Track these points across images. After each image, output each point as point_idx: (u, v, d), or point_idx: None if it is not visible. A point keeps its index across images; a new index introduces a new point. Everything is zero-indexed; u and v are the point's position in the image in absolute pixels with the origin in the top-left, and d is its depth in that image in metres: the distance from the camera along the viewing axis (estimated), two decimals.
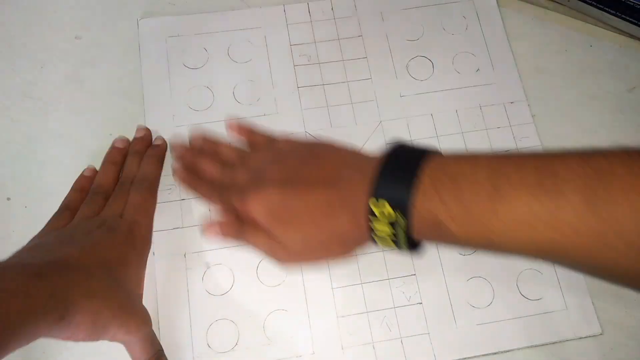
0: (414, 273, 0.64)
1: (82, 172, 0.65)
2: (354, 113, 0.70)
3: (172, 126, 0.69)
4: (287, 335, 0.61)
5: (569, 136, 0.70)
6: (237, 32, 0.74)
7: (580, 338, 0.62)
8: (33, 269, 0.47)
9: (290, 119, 0.70)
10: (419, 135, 0.70)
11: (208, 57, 0.73)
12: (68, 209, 0.62)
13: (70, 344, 0.56)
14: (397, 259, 0.64)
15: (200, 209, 0.65)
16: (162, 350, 0.56)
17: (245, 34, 0.74)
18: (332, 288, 0.63)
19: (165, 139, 0.67)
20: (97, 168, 0.65)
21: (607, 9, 0.73)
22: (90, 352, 0.60)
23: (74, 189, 0.64)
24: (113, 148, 0.66)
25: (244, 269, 0.63)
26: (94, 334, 0.49)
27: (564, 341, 0.61)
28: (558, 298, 0.63)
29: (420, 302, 0.63)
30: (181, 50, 0.73)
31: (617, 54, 0.75)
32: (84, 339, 0.49)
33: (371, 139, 0.69)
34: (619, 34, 0.76)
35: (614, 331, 0.62)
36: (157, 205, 0.65)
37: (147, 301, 0.61)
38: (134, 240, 0.58)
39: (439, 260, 0.64)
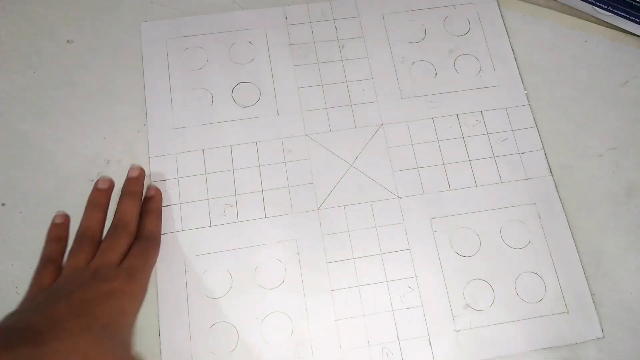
0: (414, 275, 0.61)
1: (53, 219, 0.61)
2: (353, 115, 0.68)
3: (171, 127, 0.67)
4: (285, 337, 0.59)
5: (563, 131, 0.68)
6: (238, 33, 0.71)
7: (582, 342, 0.60)
8: (3, 340, 0.44)
9: (290, 120, 0.67)
10: (419, 140, 0.67)
11: (208, 58, 0.70)
12: (51, 261, 0.57)
13: None
14: (396, 262, 0.62)
15: (200, 213, 0.63)
16: None
17: (245, 34, 0.71)
18: (331, 290, 0.61)
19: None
20: (67, 214, 0.62)
21: (599, 4, 0.72)
22: None
23: (50, 239, 0.59)
24: (96, 190, 0.62)
25: (242, 272, 0.61)
26: None
27: (564, 345, 0.60)
28: (559, 301, 0.61)
29: (421, 304, 0.60)
30: (182, 51, 0.70)
31: (610, 48, 0.73)
32: None
33: (371, 142, 0.67)
34: (612, 28, 0.73)
35: (616, 334, 0.60)
36: None
37: (149, 305, 0.59)
38: (133, 289, 0.54)
39: (439, 262, 0.62)
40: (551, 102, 0.70)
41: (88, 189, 0.63)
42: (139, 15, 0.72)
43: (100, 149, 0.65)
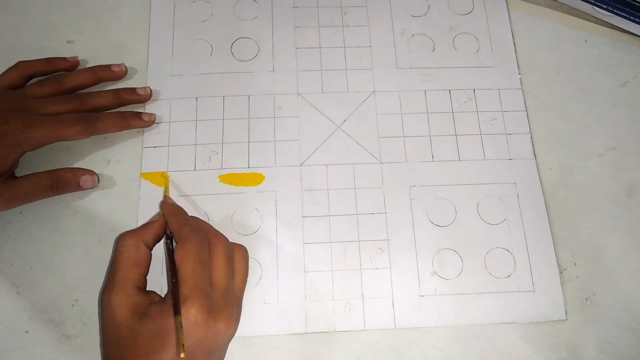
0: (387, 238, 0.62)
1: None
2: (347, 80, 0.69)
3: (170, 74, 0.68)
4: (254, 282, 0.59)
5: (563, 131, 0.68)
6: None
7: (543, 322, 0.60)
8: None
9: (284, 78, 0.68)
10: (409, 110, 0.67)
11: (212, 12, 0.72)
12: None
13: None
14: (370, 224, 0.62)
15: (186, 157, 0.64)
16: None
17: None
18: (304, 243, 0.61)
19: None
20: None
21: (599, 4, 0.71)
22: None
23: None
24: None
25: (219, 216, 0.62)
26: None
27: (526, 323, 0.60)
28: (527, 279, 0.61)
29: (389, 267, 0.61)
30: (189, 3, 0.72)
31: (609, 49, 0.72)
32: None
33: (361, 107, 0.67)
34: (612, 28, 0.73)
35: (616, 334, 0.60)
36: (147, 150, 0.65)
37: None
38: None
39: (412, 228, 0.62)
40: (551, 102, 0.69)
41: (87, 189, 0.63)
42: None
43: (100, 149, 0.65)
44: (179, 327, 0.45)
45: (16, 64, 0.63)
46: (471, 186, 0.64)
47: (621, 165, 0.66)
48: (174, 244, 0.52)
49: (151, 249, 0.52)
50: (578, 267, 0.62)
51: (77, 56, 0.66)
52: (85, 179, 0.61)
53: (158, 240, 0.54)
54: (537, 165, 0.65)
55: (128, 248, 0.50)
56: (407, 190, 0.63)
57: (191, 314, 0.45)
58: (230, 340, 0.50)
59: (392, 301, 0.59)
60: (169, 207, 0.56)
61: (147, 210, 0.62)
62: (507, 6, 0.74)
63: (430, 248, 0.61)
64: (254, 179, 0.63)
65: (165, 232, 0.54)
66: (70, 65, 0.66)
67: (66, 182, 0.60)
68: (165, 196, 0.61)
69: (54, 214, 0.62)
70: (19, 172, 0.59)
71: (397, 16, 0.72)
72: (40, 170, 0.60)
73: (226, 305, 0.48)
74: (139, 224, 0.61)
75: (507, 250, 0.61)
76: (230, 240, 0.53)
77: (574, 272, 0.62)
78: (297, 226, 0.62)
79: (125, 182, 0.63)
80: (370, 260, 0.61)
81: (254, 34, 0.70)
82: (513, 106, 0.68)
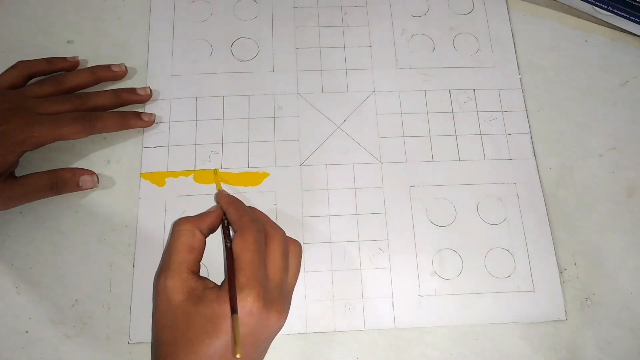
0: (387, 238, 0.62)
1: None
2: (347, 80, 0.69)
3: (170, 74, 0.68)
4: None
5: (563, 131, 0.68)
6: None
7: (543, 322, 0.60)
8: None
9: (284, 78, 0.68)
10: (409, 110, 0.67)
11: (212, 12, 0.72)
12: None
13: None
14: (370, 224, 0.62)
15: (186, 157, 0.64)
16: None
17: None
18: (303, 243, 0.61)
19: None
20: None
21: (599, 4, 0.71)
22: None
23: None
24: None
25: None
26: None
27: (526, 323, 0.60)
28: (527, 279, 0.61)
29: (389, 267, 0.61)
30: (189, 3, 0.72)
31: (609, 48, 0.72)
32: None
33: (361, 107, 0.67)
34: (612, 28, 0.73)
35: (616, 334, 0.60)
36: (147, 150, 0.65)
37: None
38: None
39: (412, 229, 0.62)
40: (551, 102, 0.69)
41: (87, 189, 0.63)
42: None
43: (100, 148, 0.65)
44: (236, 327, 0.45)
45: (16, 63, 0.63)
46: (471, 186, 0.64)
47: (621, 165, 0.66)
48: (231, 234, 0.53)
49: (205, 237, 0.53)
50: (578, 267, 0.62)
51: (77, 56, 0.66)
52: (84, 179, 0.61)
53: (212, 231, 0.55)
54: (537, 165, 0.65)
55: (184, 233, 0.51)
56: (407, 190, 0.63)
57: (247, 302, 0.46)
58: (277, 334, 0.51)
59: (392, 301, 0.59)
60: (226, 198, 0.57)
61: (147, 210, 0.62)
62: (507, 6, 0.73)
63: (430, 248, 0.61)
64: (254, 179, 0.63)
65: (221, 224, 0.56)
66: (70, 65, 0.66)
67: (66, 182, 0.60)
68: (219, 189, 0.61)
69: (54, 214, 0.62)
70: (19, 172, 0.59)
71: (397, 16, 0.72)
72: (40, 170, 0.60)
73: (279, 297, 0.49)
74: (139, 224, 0.61)
75: (507, 250, 0.61)
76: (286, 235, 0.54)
77: (574, 272, 0.62)
78: (297, 226, 0.61)
79: (125, 182, 0.63)
80: (370, 260, 0.61)
81: (254, 34, 0.70)
82: (513, 106, 0.68)
